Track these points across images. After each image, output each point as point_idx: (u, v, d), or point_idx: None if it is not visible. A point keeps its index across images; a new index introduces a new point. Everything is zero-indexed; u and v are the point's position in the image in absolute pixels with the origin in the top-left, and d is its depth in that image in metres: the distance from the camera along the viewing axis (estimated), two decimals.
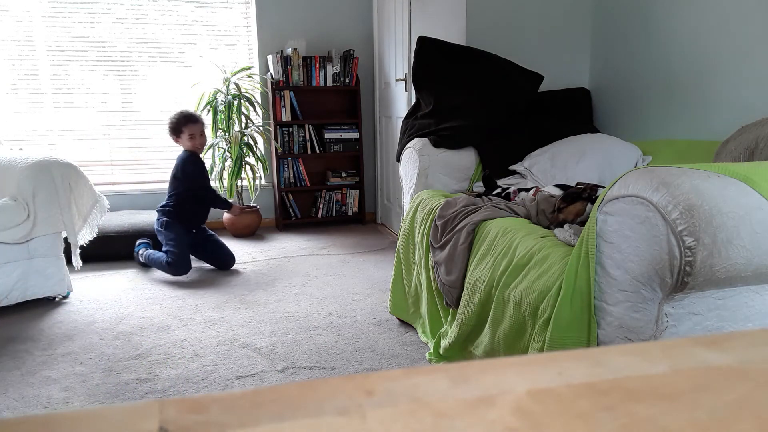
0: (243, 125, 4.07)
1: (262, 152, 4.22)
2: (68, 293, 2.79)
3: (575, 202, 1.75)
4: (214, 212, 4.17)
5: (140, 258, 3.24)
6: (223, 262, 3.24)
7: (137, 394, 1.84)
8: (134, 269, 3.27)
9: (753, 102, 2.33)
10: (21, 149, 3.62)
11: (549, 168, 2.51)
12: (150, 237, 3.41)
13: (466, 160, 2.69)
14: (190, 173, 3.17)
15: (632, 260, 1.17)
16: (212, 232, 3.35)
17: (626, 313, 1.21)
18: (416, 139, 2.72)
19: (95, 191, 2.85)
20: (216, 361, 2.07)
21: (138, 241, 3.35)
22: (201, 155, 3.29)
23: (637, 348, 0.34)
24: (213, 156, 4.07)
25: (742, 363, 0.32)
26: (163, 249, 3.10)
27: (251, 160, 4.12)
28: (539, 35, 3.23)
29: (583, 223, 1.69)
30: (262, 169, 4.23)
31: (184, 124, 3.13)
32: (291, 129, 4.23)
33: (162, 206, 3.19)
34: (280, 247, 3.74)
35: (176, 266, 3.02)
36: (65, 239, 2.78)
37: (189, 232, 3.21)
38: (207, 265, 3.31)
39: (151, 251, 3.19)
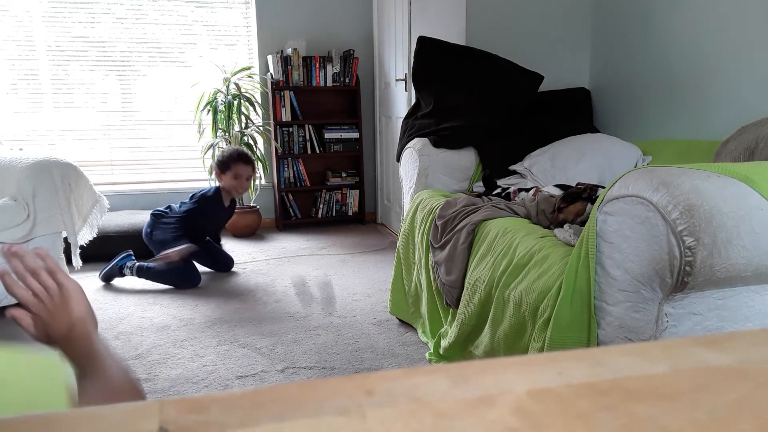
0: (243, 125, 4.07)
1: (262, 152, 4.22)
2: None
3: (575, 202, 1.75)
4: None
5: (128, 271, 2.97)
6: (224, 264, 3.23)
7: None
8: None
9: (753, 102, 2.33)
10: (21, 149, 3.62)
11: (549, 168, 2.51)
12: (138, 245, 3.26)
13: (466, 160, 2.69)
14: (210, 214, 3.13)
15: (632, 260, 1.17)
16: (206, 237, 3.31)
17: (626, 313, 1.21)
18: (416, 139, 2.72)
19: (95, 191, 2.85)
20: (216, 361, 2.07)
21: (121, 255, 3.03)
22: (236, 199, 3.19)
23: (637, 348, 0.34)
24: (213, 156, 4.07)
25: (742, 363, 0.32)
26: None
27: None
28: (539, 35, 3.23)
29: (583, 223, 1.69)
30: (262, 169, 4.23)
31: (235, 161, 3.02)
32: (291, 129, 4.23)
33: (163, 215, 3.06)
34: (280, 247, 3.74)
35: (189, 277, 2.93)
36: (65, 239, 2.78)
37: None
38: (208, 268, 3.31)
39: (149, 264, 2.95)
